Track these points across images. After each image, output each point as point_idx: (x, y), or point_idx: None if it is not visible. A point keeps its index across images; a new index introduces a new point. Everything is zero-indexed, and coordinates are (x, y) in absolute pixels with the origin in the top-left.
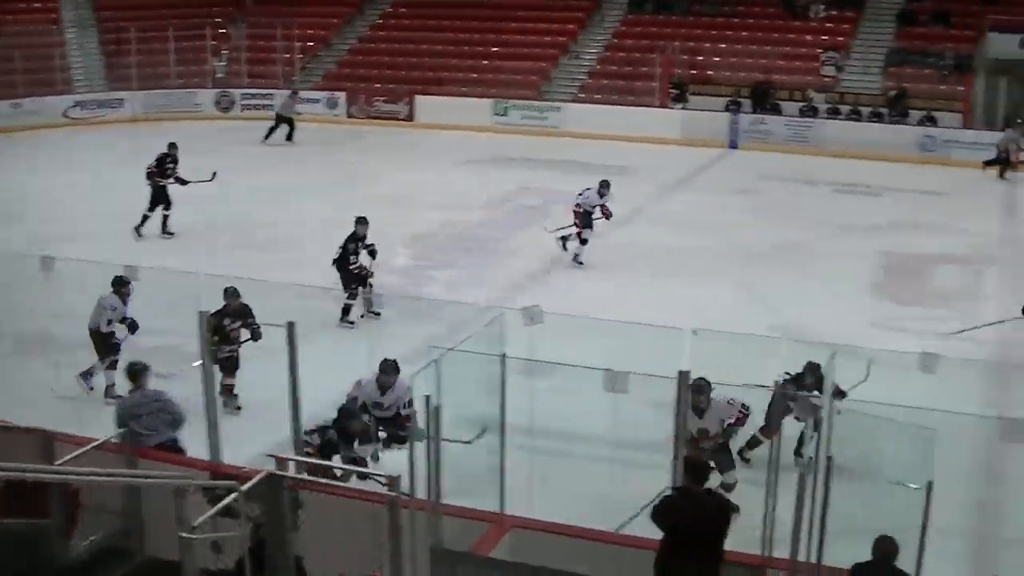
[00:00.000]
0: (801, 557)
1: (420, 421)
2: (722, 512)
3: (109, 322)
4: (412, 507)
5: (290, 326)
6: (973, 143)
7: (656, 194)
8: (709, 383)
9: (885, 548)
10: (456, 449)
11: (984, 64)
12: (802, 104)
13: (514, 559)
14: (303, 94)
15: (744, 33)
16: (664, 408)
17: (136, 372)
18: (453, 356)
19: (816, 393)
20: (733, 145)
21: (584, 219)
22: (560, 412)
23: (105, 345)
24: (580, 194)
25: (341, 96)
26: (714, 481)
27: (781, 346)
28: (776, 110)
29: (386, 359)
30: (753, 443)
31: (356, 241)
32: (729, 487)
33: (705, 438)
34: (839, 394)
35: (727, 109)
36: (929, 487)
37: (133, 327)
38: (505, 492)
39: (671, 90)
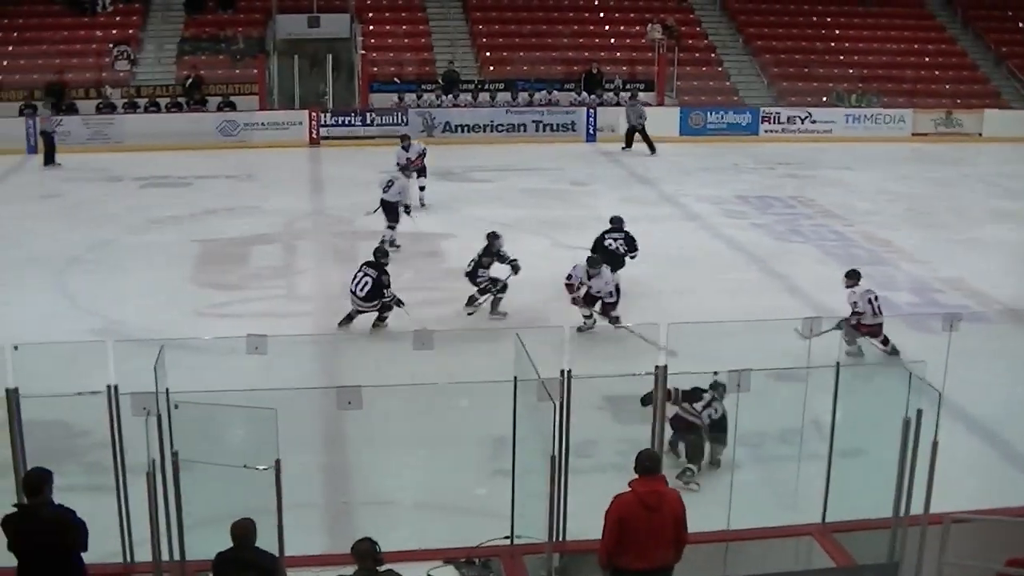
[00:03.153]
0: (164, 557)
1: None
2: (65, 525)
3: None
4: None
5: None
6: (273, 123)
7: None
8: None
9: (240, 530)
10: None
11: (275, 45)
12: (99, 101)
13: None
14: None
15: (29, 34)
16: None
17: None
18: None
19: None
20: (32, 150)
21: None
22: None
23: None
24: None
25: None
26: None
27: (109, 349)
28: (73, 110)
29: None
30: None
31: (491, 255)
32: None
33: None
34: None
35: (22, 113)
36: (277, 466)
37: None
38: None
39: None
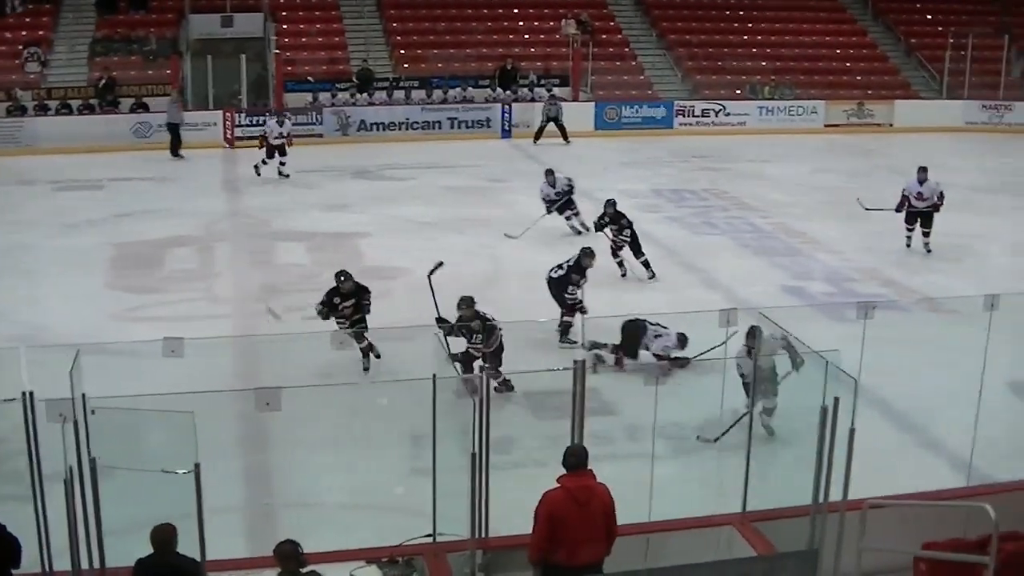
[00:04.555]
0: (84, 565)
1: None
2: None
3: None
4: None
5: None
6: (188, 124)
7: None
8: None
9: (160, 536)
10: None
11: (188, 45)
12: (9, 104)
13: None
14: None
15: None
16: None
17: None
18: None
19: None
20: None
21: None
22: None
23: None
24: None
25: None
26: None
27: (21, 354)
28: None
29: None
30: None
31: (581, 273)
32: None
33: None
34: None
35: None
36: (197, 469)
37: None
38: None
39: None
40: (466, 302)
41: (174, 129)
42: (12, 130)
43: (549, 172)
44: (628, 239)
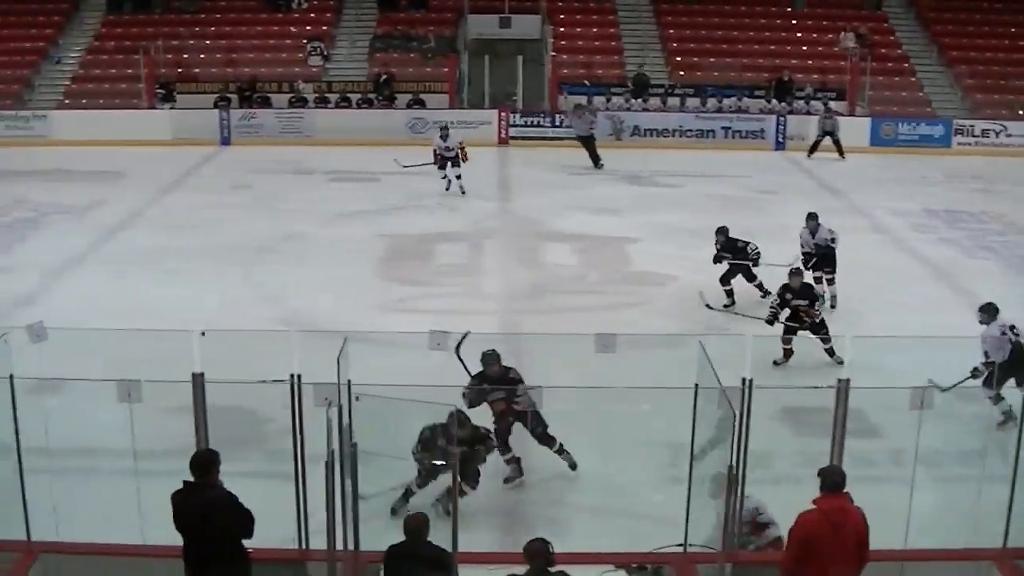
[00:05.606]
0: (339, 547)
1: None
2: (229, 508)
3: None
4: None
5: None
6: (462, 122)
7: (152, 196)
8: None
9: (414, 524)
10: None
11: (466, 44)
12: (291, 96)
13: None
14: None
15: (227, 28)
16: (180, 413)
17: None
18: None
19: None
20: (225, 142)
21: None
22: (76, 428)
23: None
24: None
25: None
26: None
27: (292, 338)
28: (266, 103)
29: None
30: None
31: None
32: None
33: None
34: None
35: (216, 106)
36: (455, 461)
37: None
38: (29, 518)
39: (158, 91)
40: (492, 357)
41: (586, 141)
42: (293, 121)
43: (812, 216)
44: (749, 262)
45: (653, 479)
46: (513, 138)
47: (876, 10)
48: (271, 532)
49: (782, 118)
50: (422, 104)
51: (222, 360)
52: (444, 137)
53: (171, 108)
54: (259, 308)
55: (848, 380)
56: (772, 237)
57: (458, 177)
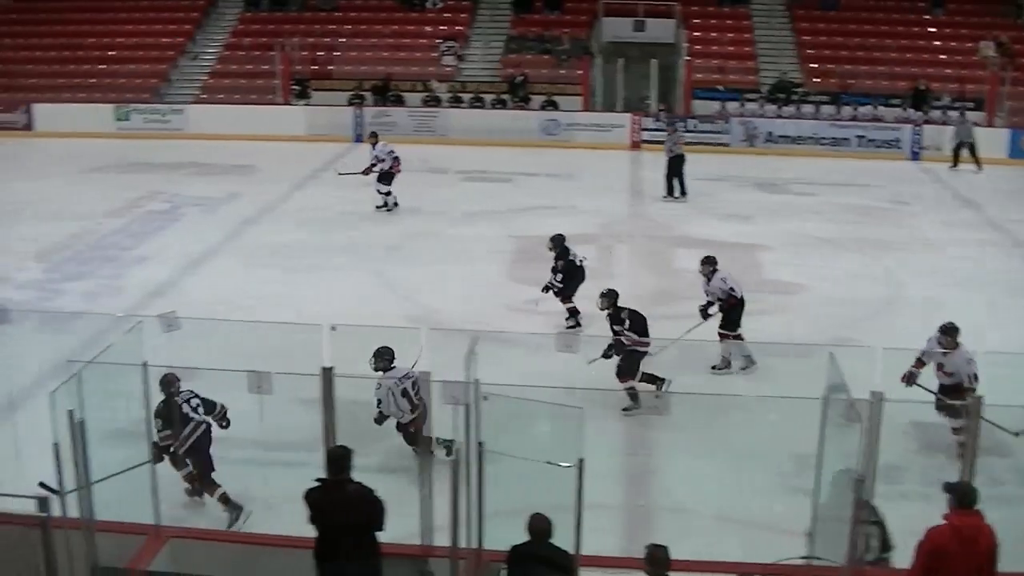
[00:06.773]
0: (462, 544)
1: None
2: (366, 502)
3: None
4: (65, 527)
5: None
6: (595, 125)
7: (285, 191)
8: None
9: (538, 526)
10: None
11: (600, 48)
12: (425, 95)
13: (174, 570)
14: None
15: (363, 27)
16: (310, 405)
17: None
18: (93, 368)
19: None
20: (358, 139)
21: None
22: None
23: None
24: None
25: None
26: None
27: (421, 335)
28: (399, 102)
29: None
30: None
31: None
32: None
33: None
34: None
35: (350, 103)
36: (581, 464)
37: None
38: (159, 503)
39: (293, 87)
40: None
41: (967, 146)
42: (427, 120)
43: (707, 261)
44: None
45: (775, 489)
46: (645, 142)
47: (1017, 19)
48: (394, 527)
49: (918, 128)
50: (555, 106)
51: (351, 355)
52: (374, 145)
53: (306, 104)
54: (389, 305)
55: (980, 398)
56: (909, 248)
57: (388, 193)
